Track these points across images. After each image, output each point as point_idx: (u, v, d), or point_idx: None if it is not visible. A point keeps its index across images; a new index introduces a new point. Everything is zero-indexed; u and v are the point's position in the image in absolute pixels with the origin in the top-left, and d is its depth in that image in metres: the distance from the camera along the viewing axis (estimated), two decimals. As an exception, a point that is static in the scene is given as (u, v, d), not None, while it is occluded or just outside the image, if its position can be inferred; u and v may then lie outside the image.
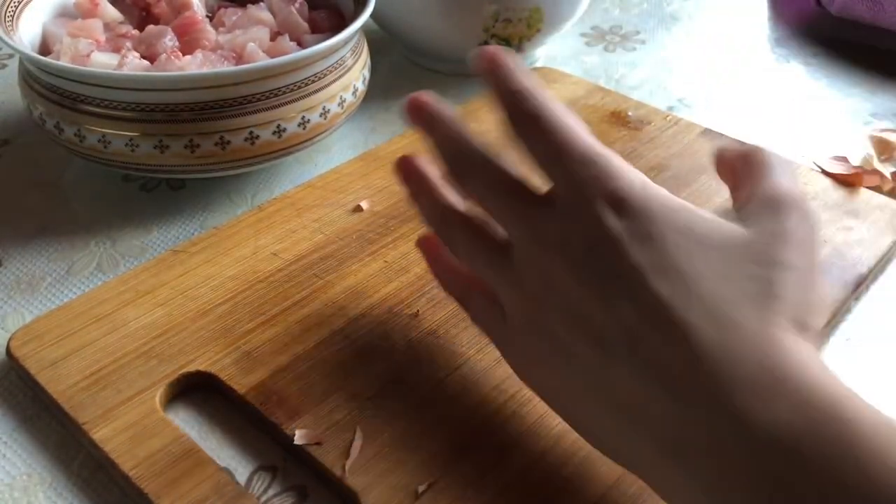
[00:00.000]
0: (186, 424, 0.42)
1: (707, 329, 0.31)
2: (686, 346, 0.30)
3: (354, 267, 0.49)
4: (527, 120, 0.37)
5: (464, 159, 0.39)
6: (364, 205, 0.54)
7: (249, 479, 0.39)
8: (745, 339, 0.30)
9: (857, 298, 0.50)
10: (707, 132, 0.63)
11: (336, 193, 0.56)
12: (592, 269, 0.34)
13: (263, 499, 0.38)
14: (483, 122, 0.63)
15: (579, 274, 0.34)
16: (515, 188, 0.38)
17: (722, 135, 0.62)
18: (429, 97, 0.41)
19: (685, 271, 0.32)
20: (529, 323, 0.36)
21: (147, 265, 0.49)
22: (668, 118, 0.65)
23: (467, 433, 0.40)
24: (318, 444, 0.39)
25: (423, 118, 0.41)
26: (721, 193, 0.56)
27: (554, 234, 0.35)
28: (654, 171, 0.59)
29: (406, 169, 0.43)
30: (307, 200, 0.55)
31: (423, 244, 0.45)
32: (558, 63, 0.76)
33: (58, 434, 0.42)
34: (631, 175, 0.35)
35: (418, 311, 0.46)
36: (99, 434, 0.39)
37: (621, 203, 0.34)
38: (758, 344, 0.30)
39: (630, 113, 0.65)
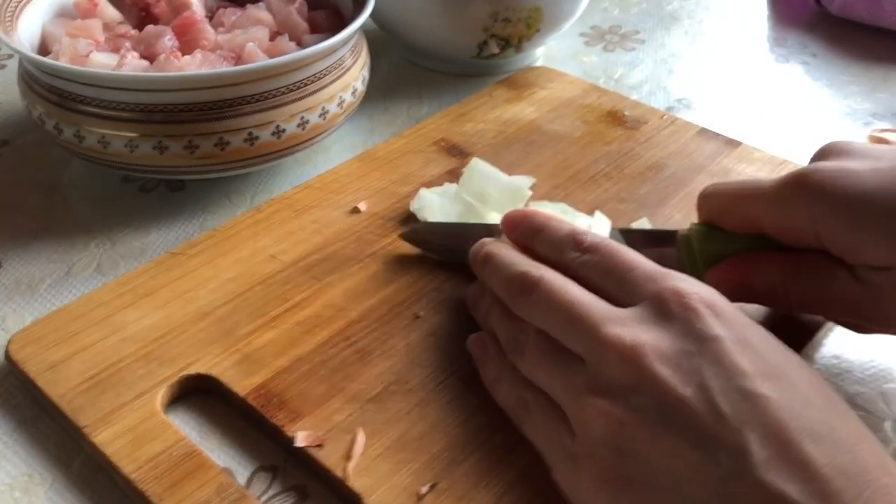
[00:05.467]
0: (187, 426, 0.42)
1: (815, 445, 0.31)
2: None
3: (354, 268, 0.49)
4: (590, 248, 0.40)
5: (525, 285, 0.40)
6: (362, 206, 0.54)
7: (250, 480, 0.39)
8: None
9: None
10: (703, 132, 0.63)
11: (334, 194, 0.55)
12: (695, 372, 0.33)
13: (264, 499, 0.38)
14: (479, 122, 0.63)
15: (681, 379, 0.33)
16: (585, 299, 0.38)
17: (718, 135, 0.62)
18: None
19: (788, 376, 0.33)
20: (610, 443, 0.34)
21: (145, 267, 0.49)
22: (664, 118, 0.65)
23: (469, 434, 0.40)
24: (319, 446, 0.39)
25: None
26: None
27: (643, 339, 0.34)
28: (651, 171, 0.59)
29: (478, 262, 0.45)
30: (305, 201, 0.55)
31: (475, 345, 0.44)
32: (558, 63, 0.76)
33: (58, 434, 0.42)
34: (708, 287, 0.37)
35: (418, 312, 0.46)
36: (100, 437, 0.39)
37: (714, 307, 0.35)
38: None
39: (626, 112, 0.65)
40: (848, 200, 0.39)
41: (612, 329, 0.35)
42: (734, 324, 0.35)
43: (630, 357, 0.34)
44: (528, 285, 0.39)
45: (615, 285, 0.38)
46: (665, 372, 0.33)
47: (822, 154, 0.43)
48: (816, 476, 0.30)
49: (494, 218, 0.49)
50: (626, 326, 0.35)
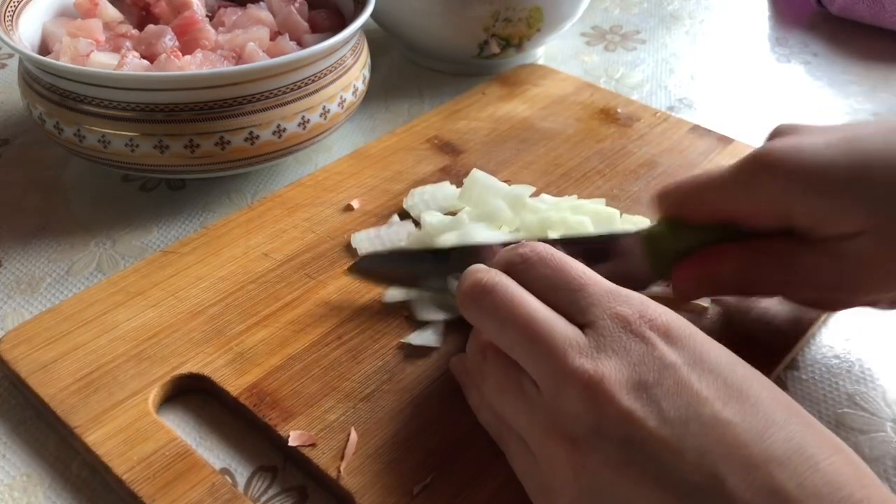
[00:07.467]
0: (186, 426, 0.42)
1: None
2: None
3: (346, 266, 0.49)
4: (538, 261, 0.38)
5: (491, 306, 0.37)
6: (355, 203, 0.54)
7: (249, 480, 0.39)
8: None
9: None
10: (696, 129, 0.63)
11: (327, 192, 0.56)
12: (655, 403, 0.32)
13: (263, 499, 0.38)
14: (472, 120, 0.63)
15: (644, 413, 0.32)
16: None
17: (711, 132, 0.62)
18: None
19: (749, 395, 0.32)
20: (576, 484, 0.33)
21: (137, 266, 0.49)
22: (656, 115, 0.65)
23: (461, 433, 0.40)
24: (312, 445, 0.39)
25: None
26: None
27: (601, 373, 0.33)
28: (644, 168, 0.59)
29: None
30: (298, 199, 0.55)
31: (456, 368, 0.43)
32: (559, 62, 0.76)
33: (57, 435, 0.42)
34: (660, 306, 0.36)
35: (410, 311, 0.46)
36: (91, 438, 0.39)
37: (668, 332, 0.34)
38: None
39: (619, 110, 0.65)
40: (808, 173, 0.39)
41: (574, 361, 0.33)
42: (688, 346, 0.34)
43: (592, 394, 0.33)
44: (482, 291, 0.37)
45: (567, 304, 0.36)
46: (628, 406, 0.32)
47: (774, 135, 0.43)
48: (787, 502, 0.29)
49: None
50: (588, 358, 0.34)
